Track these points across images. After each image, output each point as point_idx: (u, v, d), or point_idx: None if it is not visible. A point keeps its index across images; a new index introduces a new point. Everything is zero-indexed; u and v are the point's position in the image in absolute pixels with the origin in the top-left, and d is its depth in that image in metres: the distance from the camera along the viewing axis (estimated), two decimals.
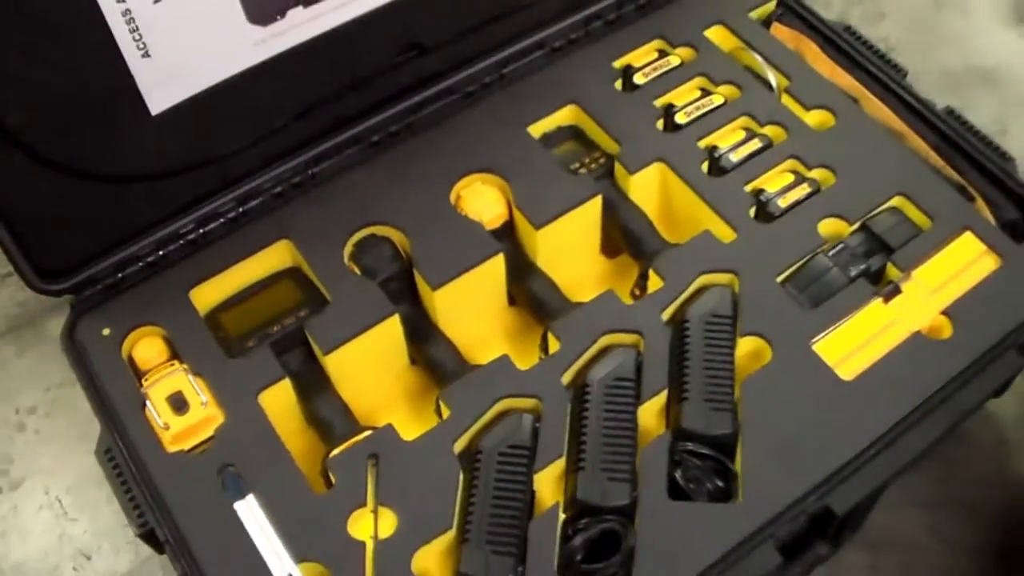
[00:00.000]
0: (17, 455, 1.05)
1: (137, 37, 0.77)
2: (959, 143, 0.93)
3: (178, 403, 0.79)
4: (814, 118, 0.95)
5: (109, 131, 0.79)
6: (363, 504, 0.75)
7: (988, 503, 1.00)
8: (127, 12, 0.75)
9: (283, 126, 0.88)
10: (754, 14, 1.02)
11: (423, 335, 0.87)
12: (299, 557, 0.72)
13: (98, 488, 1.02)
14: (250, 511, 0.75)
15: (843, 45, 1.00)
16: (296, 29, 0.84)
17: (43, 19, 0.72)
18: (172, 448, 0.78)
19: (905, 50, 1.34)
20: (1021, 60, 1.33)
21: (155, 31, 0.77)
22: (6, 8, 0.70)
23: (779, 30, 1.02)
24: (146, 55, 0.78)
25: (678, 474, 0.77)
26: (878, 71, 0.97)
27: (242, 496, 0.75)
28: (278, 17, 0.82)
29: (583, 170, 0.93)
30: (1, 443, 1.05)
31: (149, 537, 0.76)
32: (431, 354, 0.86)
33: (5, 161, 0.76)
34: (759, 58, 0.98)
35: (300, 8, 0.83)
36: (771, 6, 1.03)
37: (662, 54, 0.99)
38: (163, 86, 0.80)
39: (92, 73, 0.76)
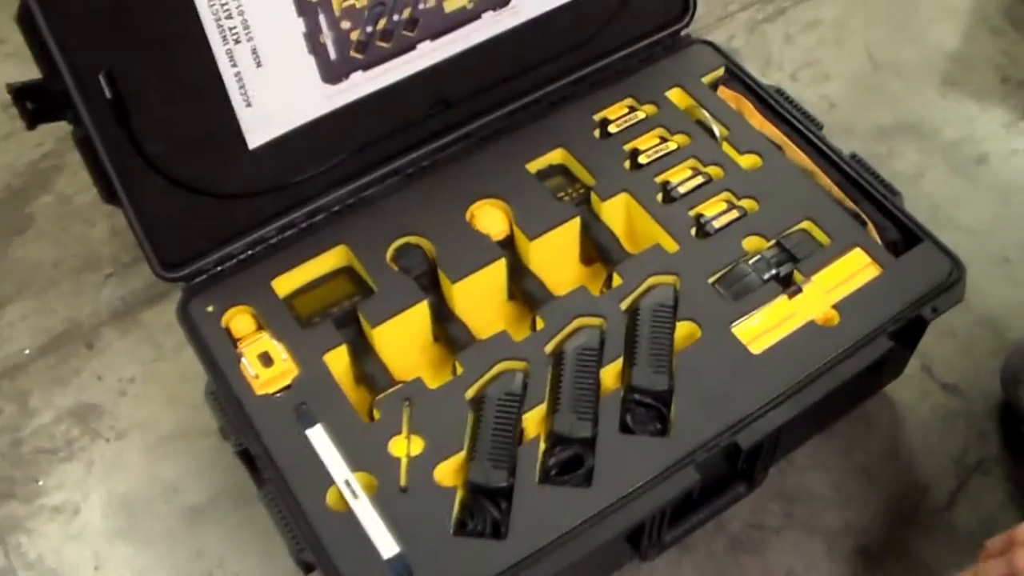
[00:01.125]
0: (120, 414, 1.38)
1: (243, 92, 1.10)
2: (857, 180, 1.26)
3: (265, 359, 1.12)
4: (746, 160, 1.28)
5: (219, 160, 1.13)
6: (399, 432, 1.07)
7: (882, 469, 1.31)
8: (238, 74, 1.09)
9: (343, 160, 1.22)
10: (705, 79, 1.36)
11: (444, 317, 1.20)
12: (353, 468, 1.05)
13: (183, 439, 1.35)
14: (317, 436, 1.07)
15: (773, 104, 1.33)
16: (357, 87, 1.17)
17: (180, 77, 1.06)
18: (260, 392, 1.11)
19: (845, 106, 1.67)
20: (942, 116, 1.66)
21: (256, 88, 1.11)
22: (156, 69, 1.04)
23: (724, 92, 1.35)
24: (248, 105, 1.11)
25: (628, 417, 1.09)
26: (799, 124, 1.31)
27: (312, 425, 1.08)
28: (344, 78, 1.16)
29: (567, 197, 1.26)
30: (109, 405, 1.38)
31: (244, 455, 1.09)
32: (449, 331, 1.19)
33: (144, 180, 1.10)
34: (706, 114, 1.32)
35: (360, 72, 1.17)
36: (719, 72, 1.37)
37: (632, 109, 1.32)
38: (258, 128, 1.14)
39: (210, 117, 1.10)
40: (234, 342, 1.15)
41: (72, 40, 0.98)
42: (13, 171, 1.64)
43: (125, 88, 1.03)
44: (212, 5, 1.03)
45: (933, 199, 1.53)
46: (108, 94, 1.03)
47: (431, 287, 1.21)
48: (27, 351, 1.44)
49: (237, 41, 1.06)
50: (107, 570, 1.26)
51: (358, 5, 1.12)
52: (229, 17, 1.04)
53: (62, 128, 1.59)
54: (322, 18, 1.11)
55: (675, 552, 1.23)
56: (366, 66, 1.16)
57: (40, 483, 1.32)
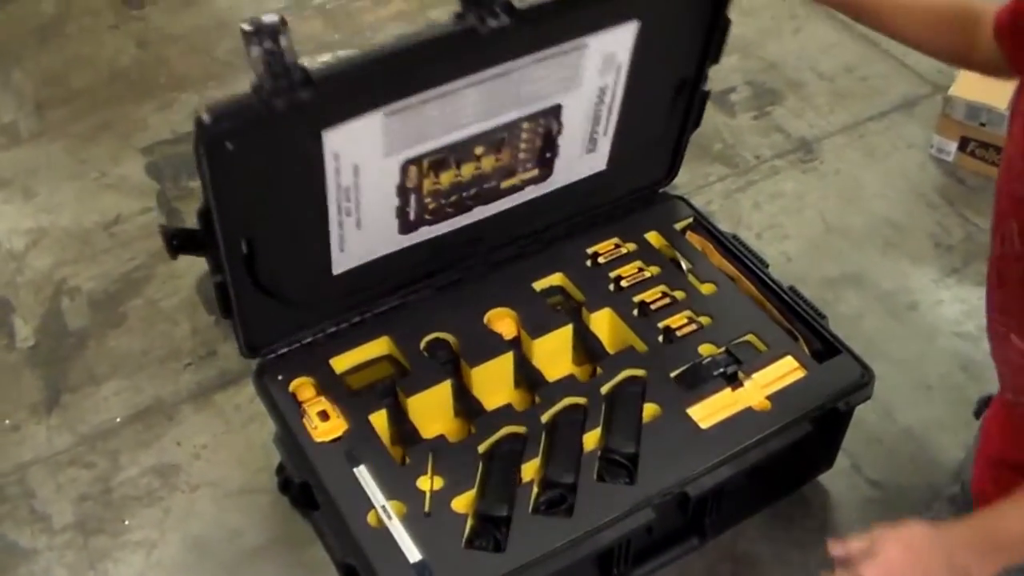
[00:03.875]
0: (194, 472, 1.79)
1: (341, 244, 1.52)
2: (792, 306, 1.70)
3: (323, 415, 1.54)
4: (706, 288, 1.73)
5: (309, 283, 1.58)
6: (425, 472, 1.49)
7: (815, 542, 1.69)
8: (342, 235, 1.52)
9: (395, 279, 1.68)
10: (677, 225, 1.83)
11: (463, 395, 1.63)
12: (388, 497, 1.46)
13: (247, 494, 1.76)
14: (361, 473, 1.49)
15: (729, 246, 1.79)
16: (420, 235, 1.62)
17: (299, 240, 1.51)
18: (318, 439, 1.52)
19: (800, 260, 2.13)
20: (881, 271, 2.12)
21: (351, 240, 1.53)
22: (284, 235, 1.47)
23: (691, 236, 1.82)
24: (341, 250, 1.55)
25: (604, 470, 1.50)
26: (748, 262, 1.76)
27: (358, 465, 1.49)
28: (414, 231, 1.61)
29: (562, 309, 1.71)
30: (185, 464, 1.80)
31: (302, 487, 1.51)
32: (467, 406, 1.62)
33: (253, 297, 1.53)
34: (676, 252, 1.78)
35: (427, 226, 1.62)
36: (689, 221, 1.84)
37: (617, 246, 1.78)
38: (343, 262, 1.58)
39: (312, 259, 1.55)
40: (298, 403, 1.58)
41: (231, 217, 1.39)
42: (110, 279, 2.11)
43: (258, 247, 1.46)
44: (338, 193, 1.46)
45: (869, 336, 1.97)
46: (244, 251, 1.45)
47: (454, 372, 1.65)
48: (118, 419, 1.87)
49: (348, 215, 1.50)
50: None
51: (441, 187, 1.56)
52: (347, 200, 1.48)
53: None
54: (413, 197, 1.55)
55: None
56: (432, 223, 1.61)
57: (126, 523, 1.73)
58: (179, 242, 1.41)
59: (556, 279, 1.76)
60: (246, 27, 1.19)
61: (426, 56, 1.35)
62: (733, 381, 1.60)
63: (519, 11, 1.35)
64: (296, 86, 1.26)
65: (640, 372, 1.62)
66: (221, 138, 1.25)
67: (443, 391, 1.62)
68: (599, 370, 1.63)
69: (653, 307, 1.70)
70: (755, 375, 1.60)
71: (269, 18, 1.20)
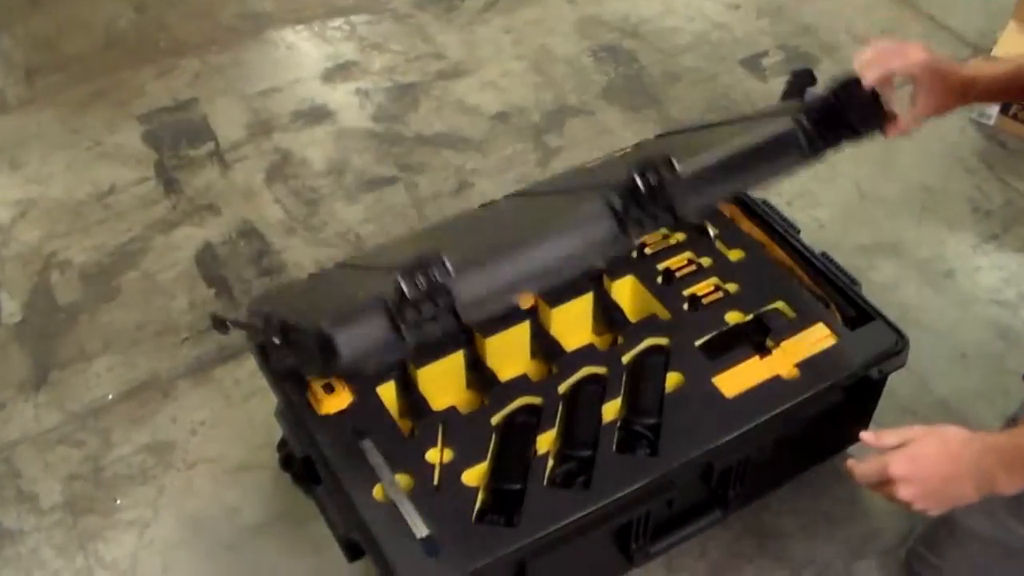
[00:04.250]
0: (191, 449, 1.73)
1: None
2: (824, 271, 1.62)
3: (328, 388, 1.47)
4: (733, 254, 1.66)
5: None
6: (435, 445, 1.42)
7: (844, 514, 1.63)
8: None
9: None
10: None
11: (477, 367, 1.56)
12: (395, 470, 1.39)
13: (246, 471, 1.69)
14: (368, 446, 1.42)
15: (758, 211, 1.71)
16: None
17: None
18: (322, 412, 1.46)
19: (832, 227, 2.06)
20: (917, 239, 2.04)
21: None
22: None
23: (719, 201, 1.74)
24: None
25: (626, 440, 1.43)
26: (779, 227, 1.69)
27: (363, 438, 1.42)
28: None
29: (582, 276, 1.63)
30: (181, 442, 1.74)
31: (305, 462, 1.43)
32: (480, 377, 1.54)
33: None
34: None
35: None
36: None
37: None
38: None
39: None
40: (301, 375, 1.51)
41: None
42: (104, 251, 2.04)
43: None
44: None
45: (904, 305, 1.89)
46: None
47: (467, 342, 1.57)
48: (110, 396, 1.80)
49: None
50: (174, 574, 1.58)
51: None
52: None
53: (151, 215, 2.03)
54: None
55: (663, 571, 1.55)
56: None
57: (117, 502, 1.66)
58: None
59: None
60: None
61: None
62: (761, 349, 1.53)
63: None
64: None
65: (663, 341, 1.54)
66: None
67: (455, 362, 1.54)
68: (620, 339, 1.56)
69: (678, 274, 1.63)
70: (784, 343, 1.53)
71: None
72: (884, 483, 1.18)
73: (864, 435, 1.23)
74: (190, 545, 1.61)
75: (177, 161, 2.24)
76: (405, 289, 1.18)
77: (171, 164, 2.23)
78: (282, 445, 1.62)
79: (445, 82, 2.44)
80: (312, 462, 1.43)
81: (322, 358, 1.21)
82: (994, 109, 2.23)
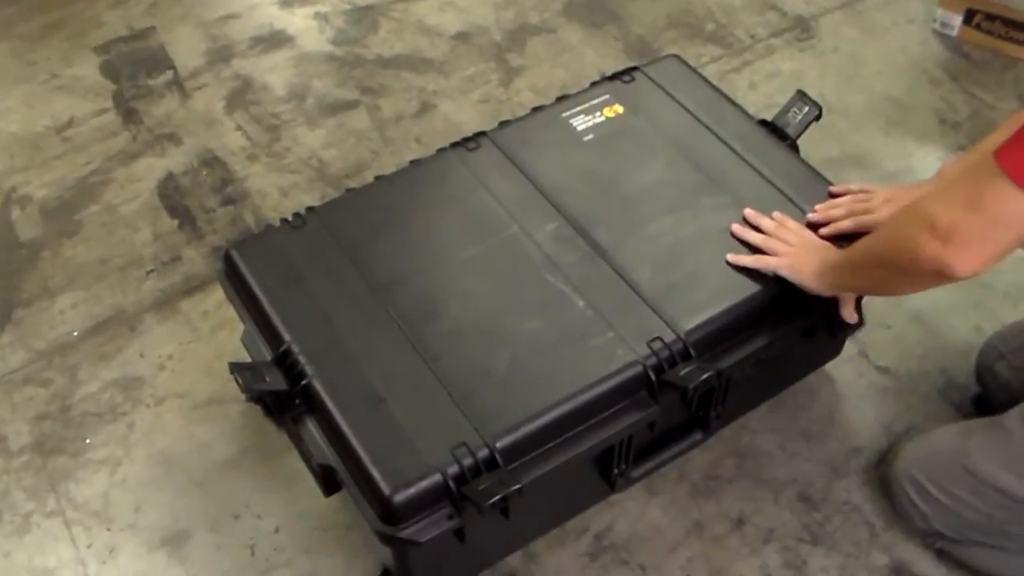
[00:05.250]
0: (159, 384, 1.64)
1: None
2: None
3: None
4: None
5: None
6: None
7: (823, 433, 1.56)
8: None
9: None
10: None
11: None
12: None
13: (217, 406, 1.60)
14: None
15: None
16: None
17: None
18: None
19: (799, 140, 1.98)
20: (884, 151, 1.96)
21: None
22: None
23: None
24: None
25: None
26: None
27: None
28: None
29: None
30: (149, 377, 1.64)
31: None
32: None
33: None
34: None
35: None
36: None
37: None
38: None
39: None
40: None
41: None
42: (64, 185, 1.93)
43: None
44: None
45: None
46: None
47: None
48: (75, 333, 1.70)
49: None
50: (147, 511, 1.50)
51: None
52: None
53: (111, 147, 1.93)
54: None
55: (643, 494, 1.48)
56: None
57: (87, 441, 1.57)
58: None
59: None
60: None
61: None
62: None
63: None
64: None
65: None
66: None
67: None
68: None
69: None
70: None
71: None
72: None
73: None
74: (161, 483, 1.53)
75: (136, 91, 2.11)
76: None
77: (130, 94, 2.11)
78: None
79: (404, 3, 2.31)
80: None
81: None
82: (957, 19, 2.14)
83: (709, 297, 1.34)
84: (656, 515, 1.48)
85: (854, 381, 1.62)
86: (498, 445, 1.19)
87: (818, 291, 1.33)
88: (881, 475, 1.49)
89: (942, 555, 1.42)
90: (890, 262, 1.18)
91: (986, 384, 1.55)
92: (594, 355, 1.28)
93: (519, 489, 1.14)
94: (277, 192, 1.90)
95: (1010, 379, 1.49)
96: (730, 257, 1.37)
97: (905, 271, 1.16)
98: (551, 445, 1.24)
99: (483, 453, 1.19)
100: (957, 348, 1.64)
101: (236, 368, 1.29)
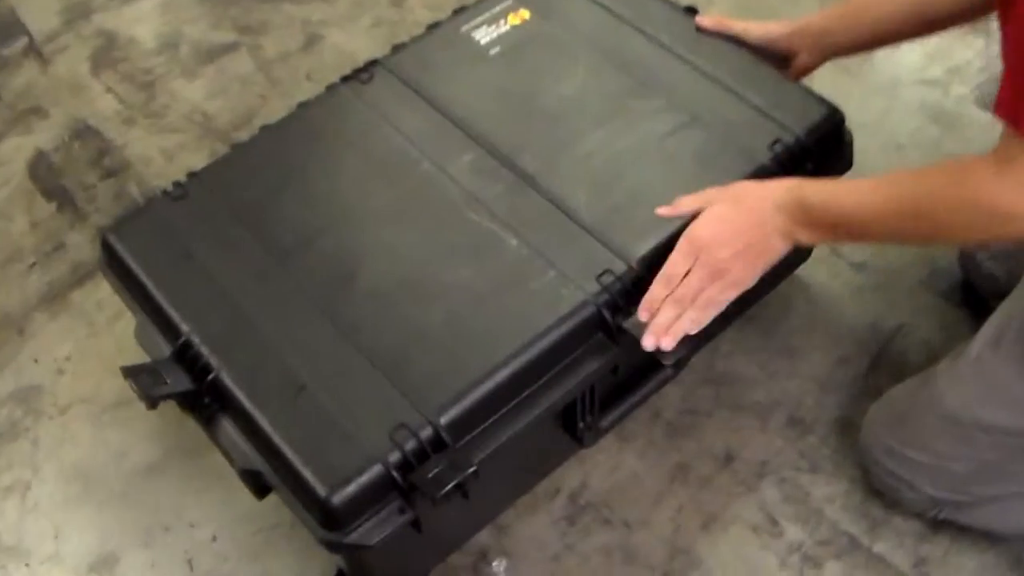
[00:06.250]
0: (60, 391, 1.45)
1: None
2: None
3: None
4: None
5: None
6: None
7: (804, 346, 1.42)
8: None
9: None
10: None
11: None
12: None
13: (127, 406, 1.42)
14: None
15: None
16: None
17: None
18: None
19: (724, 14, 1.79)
20: None
21: None
22: None
23: None
24: None
25: None
26: None
27: None
28: None
29: None
30: (48, 384, 1.45)
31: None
32: None
33: None
34: None
35: None
36: None
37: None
38: None
39: None
40: None
41: None
42: None
43: None
44: None
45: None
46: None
47: None
48: None
49: None
50: (68, 535, 1.32)
51: None
52: None
53: None
54: None
55: (615, 443, 1.33)
56: None
57: None
58: None
59: None
60: None
61: None
62: None
63: None
64: None
65: None
66: None
67: None
68: None
69: None
70: None
71: None
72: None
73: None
74: (79, 501, 1.35)
75: None
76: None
77: None
78: None
79: None
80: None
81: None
82: None
83: (658, 217, 1.15)
84: (633, 463, 1.33)
85: (829, 283, 1.48)
86: (442, 421, 1.02)
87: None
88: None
89: (944, 525, 1.26)
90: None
91: (970, 272, 1.41)
92: (538, 300, 1.10)
93: (474, 472, 0.98)
94: (161, 156, 1.69)
95: (993, 269, 1.35)
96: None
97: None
98: (504, 411, 1.06)
99: (426, 432, 1.02)
100: None
101: (130, 373, 1.10)
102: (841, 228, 1.08)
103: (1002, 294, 1.16)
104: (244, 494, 1.24)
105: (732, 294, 1.10)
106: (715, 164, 1.20)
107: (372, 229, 1.18)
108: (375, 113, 1.29)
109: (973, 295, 1.42)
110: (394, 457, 1.00)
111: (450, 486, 0.96)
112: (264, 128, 1.30)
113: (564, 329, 1.08)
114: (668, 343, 1.08)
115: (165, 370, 1.11)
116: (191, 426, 1.34)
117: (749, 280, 1.10)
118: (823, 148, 1.24)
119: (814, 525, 1.27)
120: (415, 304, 1.11)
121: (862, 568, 1.24)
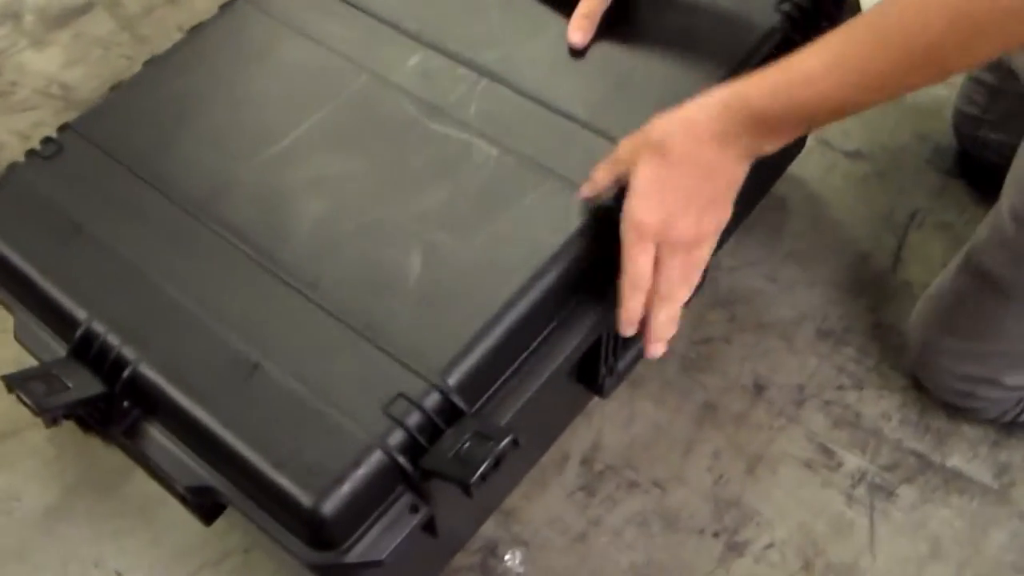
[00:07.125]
0: None
1: None
2: None
3: None
4: None
5: None
6: None
7: (815, 248, 1.22)
8: None
9: None
10: None
11: None
12: None
13: (12, 438, 1.11)
14: None
15: None
16: None
17: None
18: None
19: None
20: None
21: None
22: None
23: None
24: None
25: None
26: None
27: None
28: None
29: None
30: None
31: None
32: None
33: None
34: None
35: None
36: None
37: None
38: None
39: None
40: None
41: None
42: None
43: None
44: None
45: None
46: None
47: None
48: None
49: None
50: None
51: None
52: None
53: None
54: None
55: (624, 390, 1.10)
56: None
57: None
58: None
59: None
60: None
61: None
62: None
63: None
64: None
65: None
66: None
67: None
68: None
69: None
70: None
71: None
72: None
73: (582, 191, 0.85)
74: None
75: None
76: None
77: None
78: None
79: None
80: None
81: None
82: None
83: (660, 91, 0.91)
84: (650, 411, 1.10)
85: (826, 177, 1.28)
86: (450, 382, 0.77)
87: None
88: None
89: (1016, 428, 1.07)
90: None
91: (967, 146, 1.24)
92: (539, 217, 0.86)
93: (514, 440, 0.72)
94: (17, 139, 1.38)
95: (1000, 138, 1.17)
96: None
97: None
98: (521, 361, 0.82)
99: (432, 400, 0.76)
100: (927, 106, 1.30)
101: (16, 383, 0.80)
102: (821, 111, 0.79)
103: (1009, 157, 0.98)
104: (176, 526, 0.97)
105: (712, 243, 0.84)
106: (718, 31, 0.97)
107: (304, 161, 0.91)
108: (286, 26, 1.02)
109: (969, 165, 1.26)
110: (396, 438, 0.75)
111: (487, 463, 0.70)
112: (149, 62, 1.02)
113: (580, 248, 0.84)
114: (662, 348, 0.86)
115: (64, 372, 0.82)
116: (97, 452, 1.07)
117: (725, 219, 0.84)
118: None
119: (874, 449, 1.07)
120: (382, 244, 0.85)
121: (941, 488, 1.05)
